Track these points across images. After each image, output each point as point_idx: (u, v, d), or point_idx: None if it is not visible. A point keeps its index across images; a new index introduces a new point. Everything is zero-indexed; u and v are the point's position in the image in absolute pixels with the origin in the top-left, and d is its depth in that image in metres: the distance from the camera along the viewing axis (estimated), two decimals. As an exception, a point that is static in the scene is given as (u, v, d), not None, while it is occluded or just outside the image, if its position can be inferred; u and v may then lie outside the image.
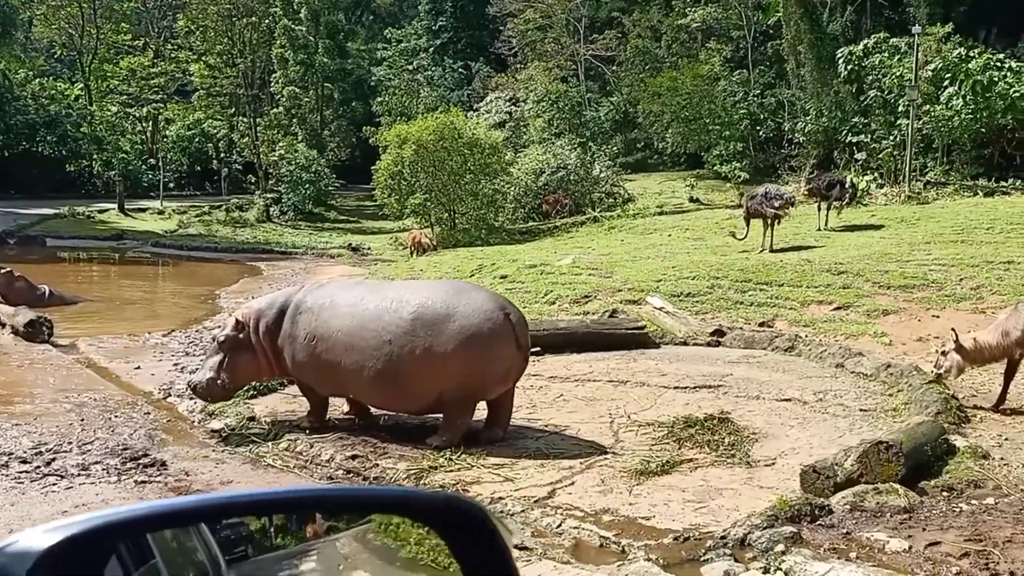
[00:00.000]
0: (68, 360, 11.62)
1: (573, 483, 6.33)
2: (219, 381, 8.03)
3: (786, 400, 8.70)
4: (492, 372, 7.20)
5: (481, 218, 29.10)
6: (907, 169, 26.54)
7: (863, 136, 29.76)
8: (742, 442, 7.25)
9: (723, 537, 5.08)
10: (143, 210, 43.14)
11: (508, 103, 40.00)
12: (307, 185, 44.17)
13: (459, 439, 7.25)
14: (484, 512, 1.67)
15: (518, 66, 43.38)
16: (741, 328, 12.18)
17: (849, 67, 29.68)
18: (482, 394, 7.31)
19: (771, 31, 37.58)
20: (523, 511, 5.74)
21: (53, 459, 7.23)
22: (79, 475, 6.89)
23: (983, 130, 26.72)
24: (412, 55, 56.44)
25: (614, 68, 41.37)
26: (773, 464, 6.81)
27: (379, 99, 49.88)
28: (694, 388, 9.22)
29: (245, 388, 9.09)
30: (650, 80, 35.82)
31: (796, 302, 13.42)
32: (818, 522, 5.23)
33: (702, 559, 4.92)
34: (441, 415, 7.58)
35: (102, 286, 22.40)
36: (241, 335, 8.00)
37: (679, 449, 7.16)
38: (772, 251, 17.84)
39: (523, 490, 6.18)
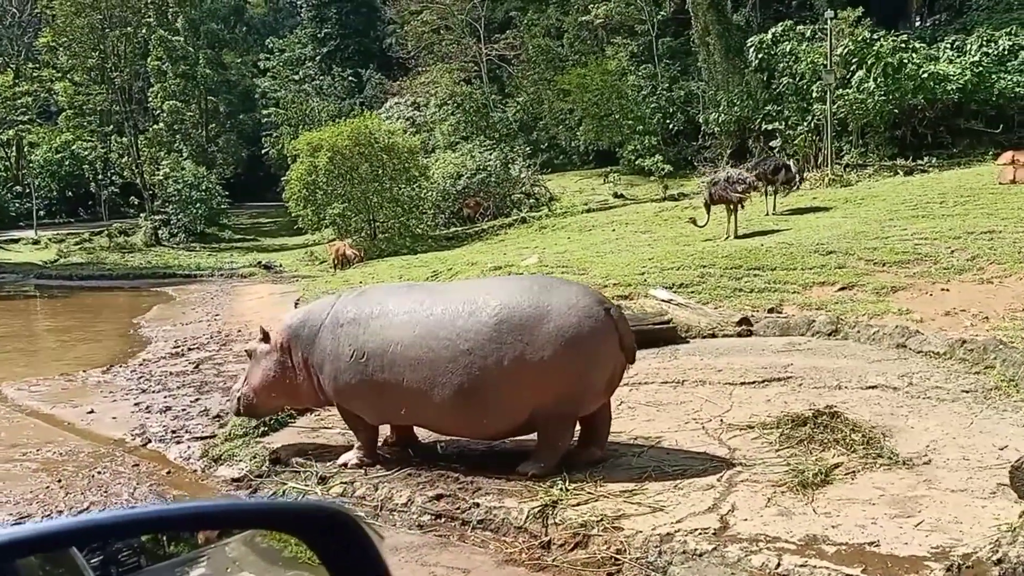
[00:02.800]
0: (3, 410, 9.73)
1: (734, 506, 5.26)
2: (239, 395, 7.09)
3: (872, 388, 7.89)
4: (596, 380, 6.05)
5: (403, 225, 27.65)
6: (829, 153, 26.73)
7: (777, 123, 29.90)
8: (875, 439, 6.33)
9: (999, 560, 4.10)
10: (15, 241, 39.60)
11: (410, 108, 38.61)
12: (198, 204, 41.66)
13: (557, 463, 6.07)
14: (354, 519, 1.64)
15: (419, 69, 41.99)
16: (752, 314, 11.40)
17: (760, 56, 29.79)
18: (583, 407, 6.14)
19: (664, 27, 37.59)
20: (715, 549, 4.62)
21: (50, 536, 5.63)
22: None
23: (895, 111, 27.21)
24: (297, 65, 54.23)
25: (518, 68, 40.56)
26: (929, 462, 5.92)
27: (274, 109, 47.51)
28: (762, 383, 8.31)
29: (255, 425, 7.66)
30: (559, 78, 35.16)
31: (797, 285, 12.80)
32: (1093, 530, 4.32)
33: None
34: (519, 436, 6.40)
35: (-4, 324, 19.84)
36: (264, 347, 6.89)
37: (810, 453, 6.19)
38: (737, 237, 17.28)
39: (685, 521, 5.07)
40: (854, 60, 27.83)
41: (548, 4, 40.74)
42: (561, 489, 5.68)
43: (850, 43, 27.48)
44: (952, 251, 13.59)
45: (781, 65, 29.55)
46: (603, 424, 6.37)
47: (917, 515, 4.94)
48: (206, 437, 8.05)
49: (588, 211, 27.84)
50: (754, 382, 8.36)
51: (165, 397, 9.91)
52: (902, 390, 7.74)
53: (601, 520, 5.14)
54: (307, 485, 6.44)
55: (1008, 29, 28.94)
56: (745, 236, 17.48)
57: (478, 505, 5.64)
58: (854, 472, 5.77)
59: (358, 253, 25.10)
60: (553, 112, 37.58)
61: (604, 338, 5.97)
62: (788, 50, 29.18)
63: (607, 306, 6.12)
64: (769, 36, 29.82)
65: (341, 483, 6.32)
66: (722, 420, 7.16)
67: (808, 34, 29.84)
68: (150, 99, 45.83)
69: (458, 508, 5.70)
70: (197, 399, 9.75)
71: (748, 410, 7.44)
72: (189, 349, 13.44)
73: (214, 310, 18.90)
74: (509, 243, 24.43)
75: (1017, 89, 27.08)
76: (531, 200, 30.42)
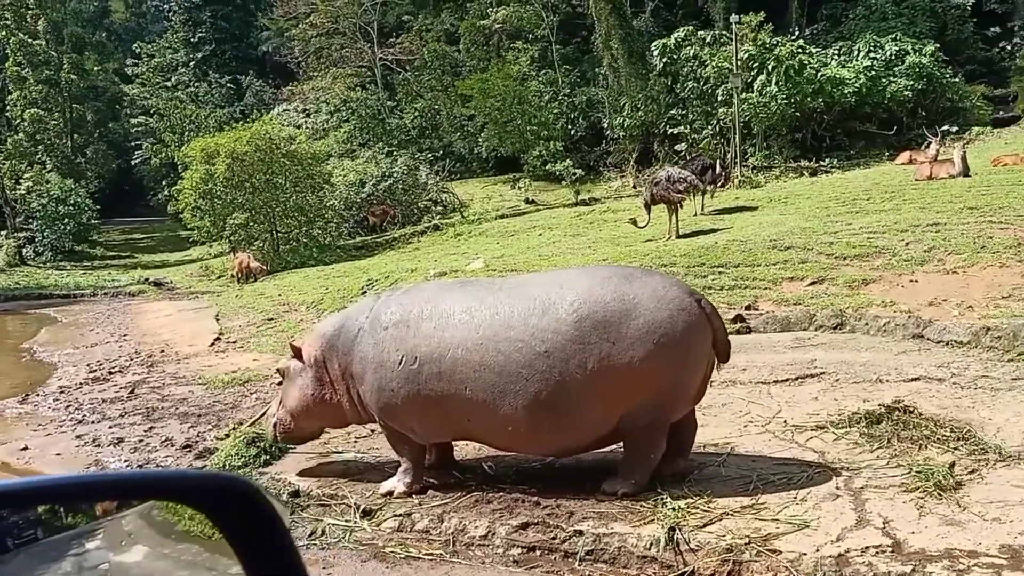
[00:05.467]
0: (-90, 451, 8.16)
1: (885, 517, 4.66)
2: (274, 419, 6.19)
3: (915, 380, 7.54)
4: (690, 382, 5.35)
5: (309, 236, 26.19)
6: (737, 155, 27.00)
7: (682, 127, 30.09)
8: (969, 434, 5.90)
9: None
10: None
11: (301, 115, 36.94)
12: (66, 220, 38.69)
13: (647, 480, 5.31)
14: (257, 489, 1.60)
15: (309, 75, 40.28)
16: (734, 311, 10.97)
17: (664, 60, 29.93)
18: (675, 413, 5.42)
19: (560, 33, 37.47)
20: (913, 570, 3.97)
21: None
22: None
23: (797, 114, 27.79)
24: (169, 71, 51.32)
25: (414, 73, 39.44)
26: (1040, 455, 5.49)
27: (143, 118, 44.67)
28: (797, 380, 7.85)
29: (255, 454, 6.57)
30: (460, 83, 34.35)
31: (766, 281, 12.50)
32: None
33: None
34: (598, 450, 5.62)
35: None
36: (297, 363, 5.99)
37: (908, 453, 5.68)
38: (679, 236, 16.97)
39: (846, 538, 4.43)
40: (755, 64, 28.26)
41: (442, 9, 39.91)
42: (673, 508, 4.93)
43: (751, 47, 27.92)
44: (907, 243, 13.59)
45: (685, 69, 29.74)
46: (690, 432, 5.68)
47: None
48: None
49: (502, 217, 27.16)
50: (787, 380, 7.87)
51: (110, 427, 8.57)
52: (948, 381, 7.40)
53: (749, 543, 4.41)
54: (347, 520, 5.44)
55: (893, 36, 30.17)
56: (685, 236, 17.20)
57: (581, 533, 4.82)
58: (977, 471, 5.28)
59: (263, 266, 23.58)
60: (451, 118, 36.74)
61: (699, 334, 5.28)
62: (692, 54, 29.40)
63: (698, 297, 5.43)
64: (672, 40, 29.99)
65: (394, 516, 5.36)
66: (786, 422, 6.60)
67: (709, 39, 30.20)
68: (8, 107, 42.33)
69: (554, 537, 4.87)
70: (151, 427, 8.46)
71: (802, 410, 6.93)
72: (111, 373, 11.92)
73: (118, 330, 17.12)
74: (425, 251, 23.45)
75: (906, 93, 28.18)
76: (439, 207, 29.50)
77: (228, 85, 49.23)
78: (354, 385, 5.68)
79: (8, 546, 1.67)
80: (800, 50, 28.45)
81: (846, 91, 27.59)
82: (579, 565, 4.67)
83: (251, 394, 9.47)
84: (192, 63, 51.07)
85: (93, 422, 8.87)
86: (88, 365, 12.83)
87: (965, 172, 19.12)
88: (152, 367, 12.09)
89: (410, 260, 19.98)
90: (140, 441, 7.97)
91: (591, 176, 32.68)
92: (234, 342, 13.53)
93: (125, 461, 7.34)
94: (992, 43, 35.28)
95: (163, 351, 13.40)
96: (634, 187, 29.31)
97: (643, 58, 31.45)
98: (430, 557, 4.91)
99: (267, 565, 1.51)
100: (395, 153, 32.33)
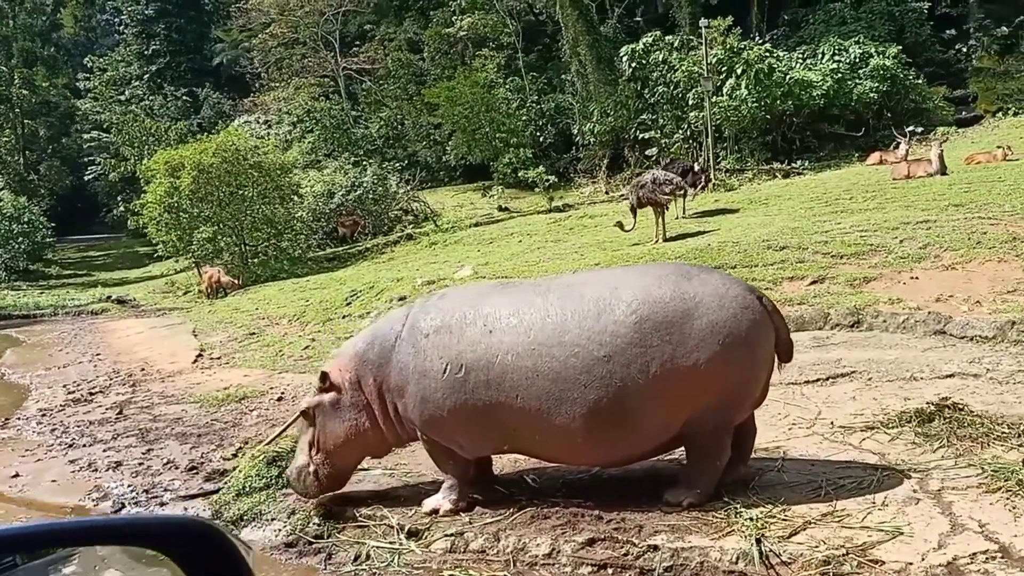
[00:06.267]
0: None
1: (980, 521, 4.43)
2: (311, 467, 5.34)
3: (950, 376, 7.37)
4: (756, 381, 5.09)
5: (278, 248, 25.57)
6: (710, 158, 26.96)
7: (652, 132, 30.02)
8: (1028, 430, 5.69)
9: None
10: None
11: (263, 126, 36.22)
12: (20, 239, 37.54)
13: (713, 488, 5.01)
14: (222, 532, 1.68)
15: (271, 85, 39.54)
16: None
17: (633, 65, 29.85)
18: (739, 416, 5.13)
19: (525, 40, 37.34)
20: (1036, 574, 3.71)
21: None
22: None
23: (767, 117, 27.86)
24: (123, 84, 50.14)
25: (379, 83, 38.94)
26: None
27: (95, 133, 43.53)
28: (828, 380, 7.63)
29: (277, 474, 6.15)
30: (427, 91, 33.96)
31: (766, 281, 12.27)
32: None
33: None
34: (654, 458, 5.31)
35: None
36: (331, 395, 5.37)
37: (971, 452, 5.46)
38: (666, 239, 16.77)
39: (948, 545, 4.17)
40: (724, 68, 28.30)
41: (404, 18, 39.51)
42: (750, 518, 4.62)
43: (720, 51, 27.95)
44: (901, 241, 13.51)
45: (655, 74, 29.69)
46: (750, 436, 5.39)
47: None
48: (204, 494, 6.41)
49: (476, 225, 26.79)
50: (818, 380, 7.65)
51: (104, 451, 8.05)
52: (984, 377, 7.24)
53: (847, 553, 4.12)
54: (392, 542, 5.05)
55: (856, 39, 30.47)
56: (671, 239, 17.01)
57: (656, 548, 4.49)
58: (1050, 467, 5.06)
59: (234, 280, 22.94)
60: (417, 127, 36.30)
61: (763, 333, 5.01)
62: (661, 59, 29.36)
63: (759, 295, 5.15)
64: (640, 45, 29.92)
65: (444, 536, 4.98)
66: (832, 423, 6.37)
67: (676, 43, 30.21)
68: (-43, 123, 41.06)
69: (627, 554, 4.54)
70: (149, 449, 7.96)
71: (843, 410, 6.71)
72: (91, 393, 11.32)
73: (89, 350, 16.41)
74: (401, 260, 22.99)
75: (871, 94, 28.44)
76: (410, 216, 29.07)
77: (184, 98, 48.28)
78: (392, 400, 5.28)
79: None
80: (768, 53, 28.58)
81: (814, 93, 27.75)
82: (658, 583, 4.35)
83: (251, 411, 9.01)
84: (146, 76, 49.99)
85: (84, 446, 8.34)
86: (65, 386, 12.20)
87: (943, 171, 19.24)
88: (136, 386, 11.52)
89: (389, 270, 19.53)
90: (140, 464, 7.48)
91: (562, 183, 32.51)
92: (218, 358, 13.00)
93: (129, 486, 6.85)
94: (948, 45, 35.87)
95: (143, 369, 12.82)
96: (606, 193, 29.21)
97: (611, 63, 31.36)
98: (495, 580, 4.55)
99: None
100: (363, 163, 31.84)
